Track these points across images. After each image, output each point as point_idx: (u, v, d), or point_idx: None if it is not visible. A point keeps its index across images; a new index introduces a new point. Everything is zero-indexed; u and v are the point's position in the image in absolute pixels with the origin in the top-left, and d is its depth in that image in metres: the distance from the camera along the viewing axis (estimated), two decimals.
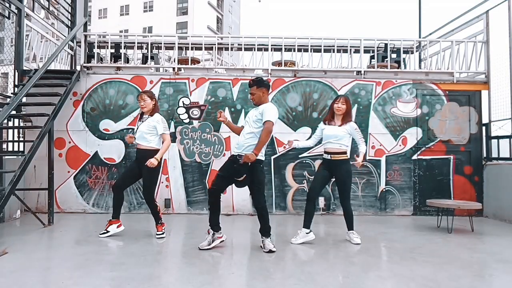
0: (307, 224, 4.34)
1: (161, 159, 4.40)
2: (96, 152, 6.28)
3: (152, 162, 4.27)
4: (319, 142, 4.62)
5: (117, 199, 4.52)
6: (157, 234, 4.50)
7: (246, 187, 4.06)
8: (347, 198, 4.39)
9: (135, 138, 4.52)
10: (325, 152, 4.42)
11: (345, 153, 4.35)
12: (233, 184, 4.10)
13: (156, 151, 4.40)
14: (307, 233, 4.34)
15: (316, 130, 4.64)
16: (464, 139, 6.48)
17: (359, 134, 4.38)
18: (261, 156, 3.98)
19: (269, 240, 4.02)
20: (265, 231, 4.03)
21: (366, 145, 4.37)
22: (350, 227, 4.45)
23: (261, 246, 4.03)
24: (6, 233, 4.66)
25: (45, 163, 5.34)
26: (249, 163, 3.83)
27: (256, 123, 3.98)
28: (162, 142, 4.49)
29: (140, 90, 6.29)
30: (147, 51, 7.34)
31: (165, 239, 4.47)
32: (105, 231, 4.49)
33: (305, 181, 4.48)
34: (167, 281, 3.10)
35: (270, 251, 3.90)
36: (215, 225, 4.04)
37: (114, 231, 4.51)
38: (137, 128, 4.49)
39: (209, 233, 4.03)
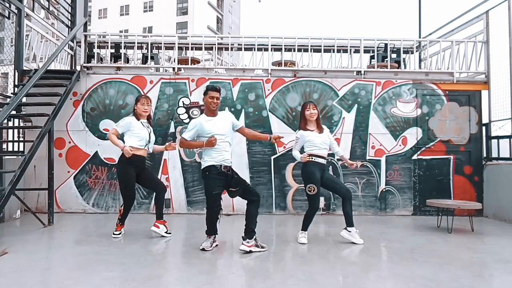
0: (307, 228, 4.42)
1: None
2: (96, 152, 6.28)
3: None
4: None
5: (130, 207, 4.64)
6: (167, 233, 4.57)
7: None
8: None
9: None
10: (321, 157, 4.36)
11: None
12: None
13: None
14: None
15: (298, 139, 4.44)
16: (464, 139, 6.48)
17: (333, 138, 4.67)
18: None
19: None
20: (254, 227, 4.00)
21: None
22: (352, 222, 4.37)
23: (249, 251, 3.90)
24: (6, 233, 4.66)
25: (45, 163, 5.35)
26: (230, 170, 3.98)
27: (232, 132, 4.11)
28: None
29: (140, 90, 6.33)
30: (147, 51, 7.34)
31: (165, 238, 4.48)
32: (120, 232, 4.56)
33: None
34: (167, 281, 3.10)
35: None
36: (215, 231, 4.06)
37: (122, 233, 4.65)
38: (149, 135, 4.52)
39: (209, 237, 4.03)
